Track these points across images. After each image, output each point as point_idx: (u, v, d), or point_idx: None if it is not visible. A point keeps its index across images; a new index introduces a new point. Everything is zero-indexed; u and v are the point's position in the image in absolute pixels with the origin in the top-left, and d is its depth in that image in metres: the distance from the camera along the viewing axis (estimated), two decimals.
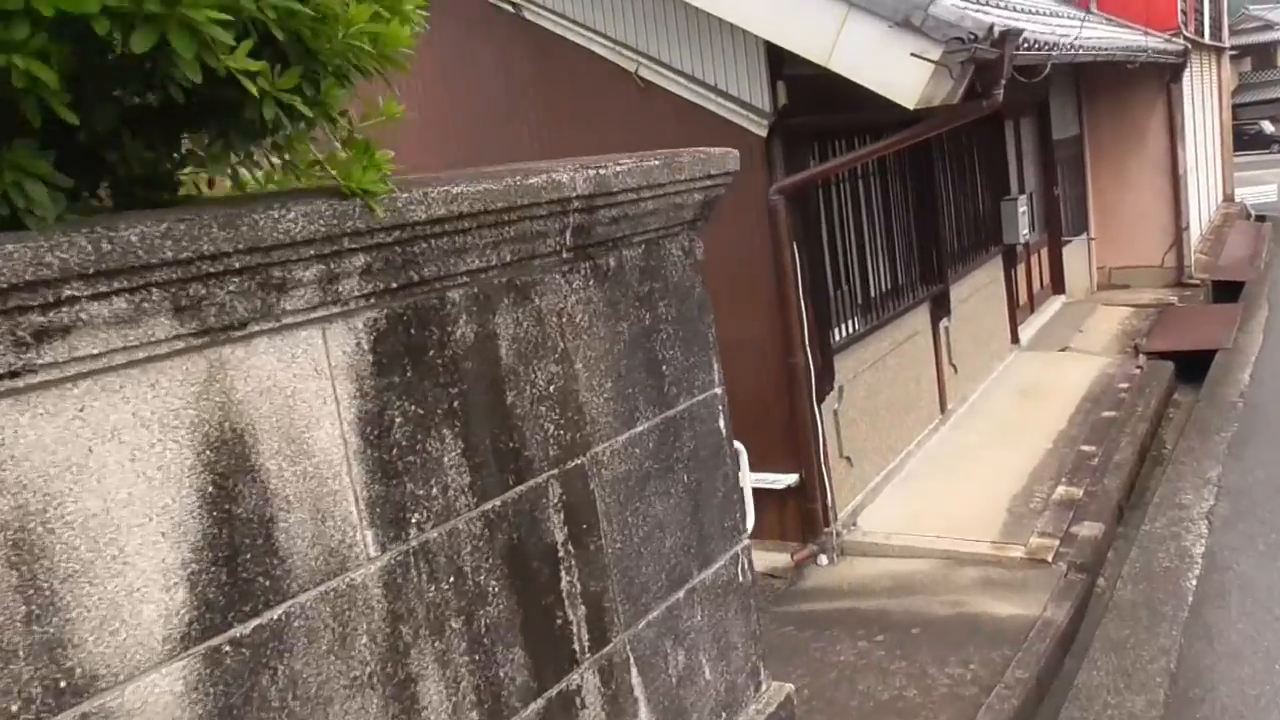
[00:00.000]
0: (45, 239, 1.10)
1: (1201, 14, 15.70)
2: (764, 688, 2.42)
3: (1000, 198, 9.78)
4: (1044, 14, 9.11)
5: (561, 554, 1.87)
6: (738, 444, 5.83)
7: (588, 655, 1.91)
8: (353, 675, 1.49)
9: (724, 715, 2.25)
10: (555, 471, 1.87)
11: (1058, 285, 11.98)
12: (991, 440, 7.59)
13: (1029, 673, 4.51)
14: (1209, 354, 9.41)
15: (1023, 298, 10.67)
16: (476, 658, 1.70)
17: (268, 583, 1.39)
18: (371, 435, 1.54)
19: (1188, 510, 5.72)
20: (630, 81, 6.27)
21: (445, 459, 1.65)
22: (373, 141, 1.50)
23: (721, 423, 2.34)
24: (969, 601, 5.30)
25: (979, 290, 9.11)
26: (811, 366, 6.11)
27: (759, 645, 2.40)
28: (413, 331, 1.61)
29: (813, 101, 5.93)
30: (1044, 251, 11.73)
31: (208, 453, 1.33)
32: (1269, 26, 45.79)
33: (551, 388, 1.87)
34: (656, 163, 2.05)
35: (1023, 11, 8.17)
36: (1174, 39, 12.39)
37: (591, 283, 1.98)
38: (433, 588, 1.62)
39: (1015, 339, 10.03)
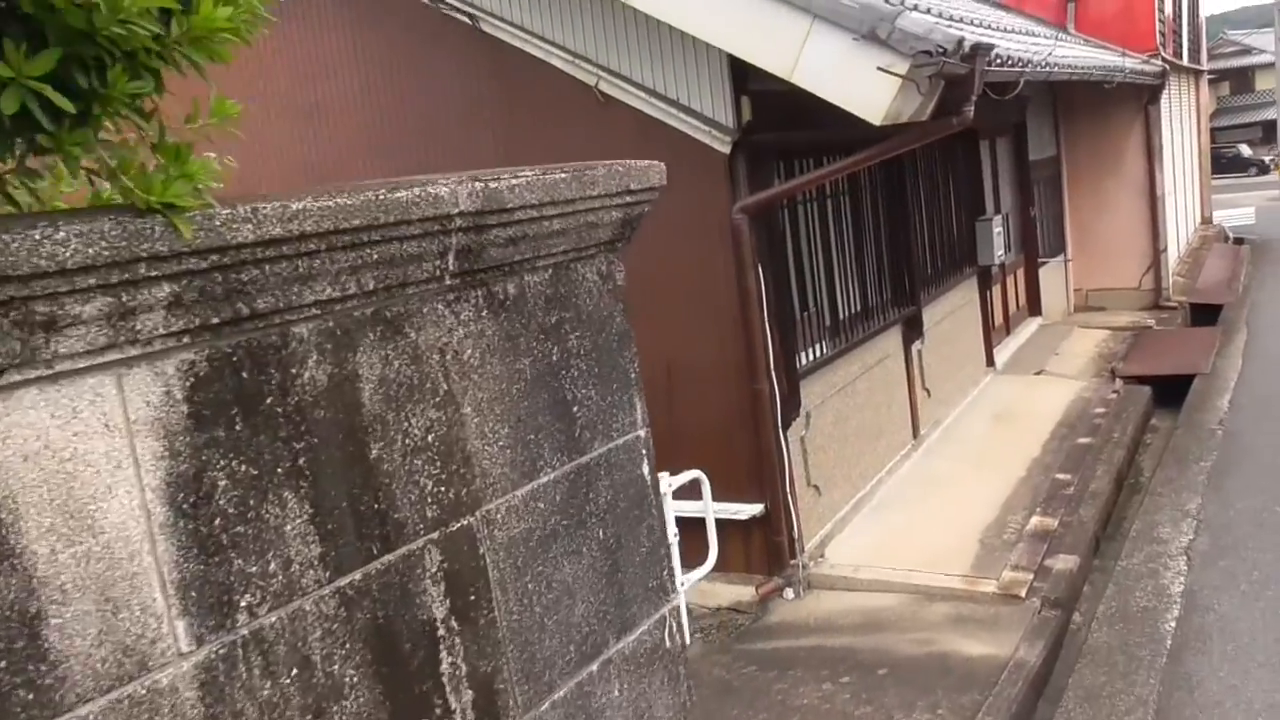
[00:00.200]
0: None
1: (1180, 36, 15.67)
2: None
3: (975, 218, 9.60)
4: (1019, 32, 8.97)
5: (442, 631, 1.60)
6: (698, 473, 5.62)
7: None
8: None
9: None
10: (435, 535, 1.60)
11: (1034, 307, 11.82)
12: (964, 467, 7.36)
13: None
14: (1187, 378, 9.24)
15: (998, 319, 10.48)
16: None
17: (31, 695, 1.11)
18: (185, 503, 1.27)
19: (1166, 545, 5.48)
20: (591, 96, 6.04)
21: (288, 527, 1.38)
22: (185, 146, 1.24)
23: (645, 469, 2.08)
24: (939, 640, 5.04)
25: (953, 312, 8.91)
26: (777, 392, 5.86)
27: (689, 718, 2.13)
28: (245, 375, 1.34)
29: (778, 117, 5.71)
30: (1020, 273, 11.57)
31: None
32: (1247, 51, 46.30)
33: (430, 437, 1.61)
34: (563, 176, 1.80)
35: (997, 29, 8.00)
36: (1152, 60, 12.30)
37: (484, 313, 1.72)
38: (269, 684, 1.35)
39: (990, 362, 9.83)
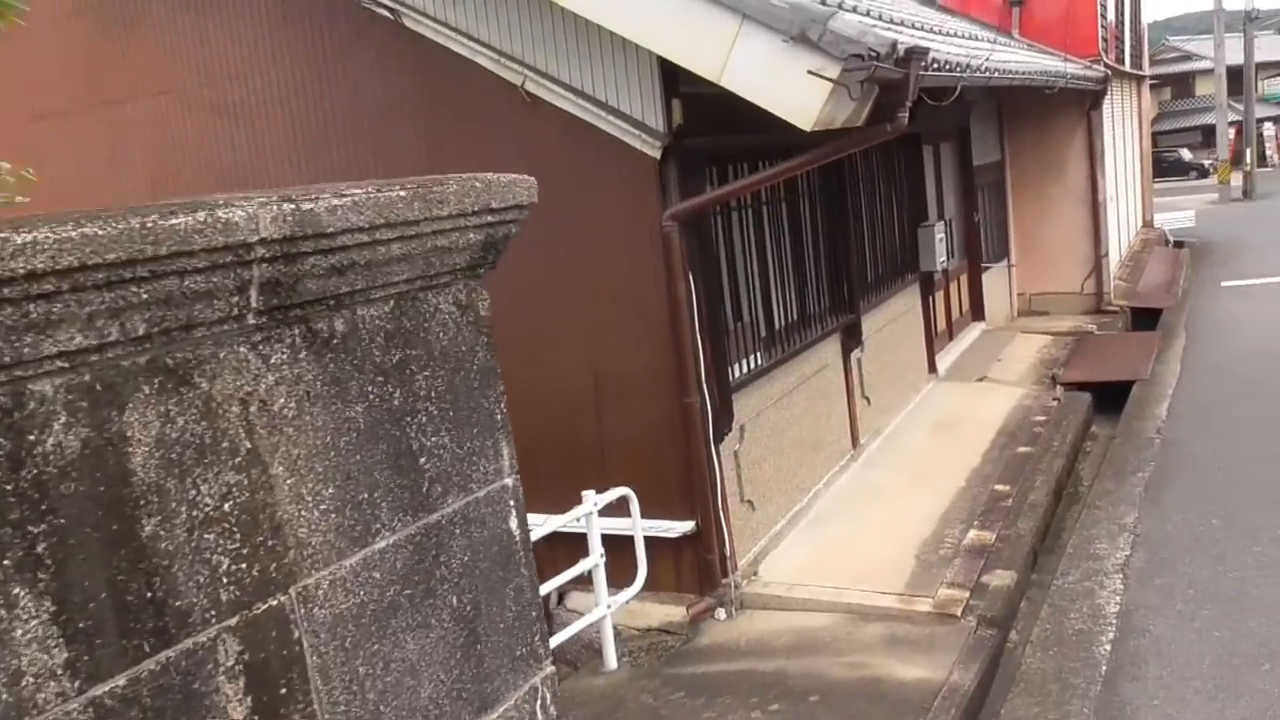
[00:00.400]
0: None
1: (1122, 42, 15.77)
2: None
3: (918, 224, 9.49)
4: (963, 37, 8.86)
5: None
6: (626, 490, 5.40)
7: None
8: None
9: None
10: (232, 622, 1.35)
11: (977, 312, 11.77)
12: (903, 479, 7.23)
13: None
14: (1127, 384, 9.21)
15: (941, 326, 10.40)
16: None
17: None
18: None
19: (1102, 562, 5.36)
20: (517, 96, 5.78)
21: (18, 631, 1.13)
22: None
23: (513, 522, 1.84)
24: (872, 663, 4.87)
25: (894, 319, 8.79)
26: (708, 406, 5.66)
27: None
28: None
29: (711, 121, 5.51)
30: (964, 278, 11.51)
31: None
32: (1188, 57, 47.19)
33: (228, 505, 1.36)
34: (402, 193, 1.56)
35: (939, 33, 7.88)
36: (1094, 65, 12.32)
37: (303, 355, 1.48)
38: None
39: (933, 368, 9.74)
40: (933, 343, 9.77)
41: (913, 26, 6.92)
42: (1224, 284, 14.02)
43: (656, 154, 5.46)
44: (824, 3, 4.96)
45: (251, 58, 6.60)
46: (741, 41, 4.68)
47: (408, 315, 1.66)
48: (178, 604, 1.29)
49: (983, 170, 11.99)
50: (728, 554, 5.77)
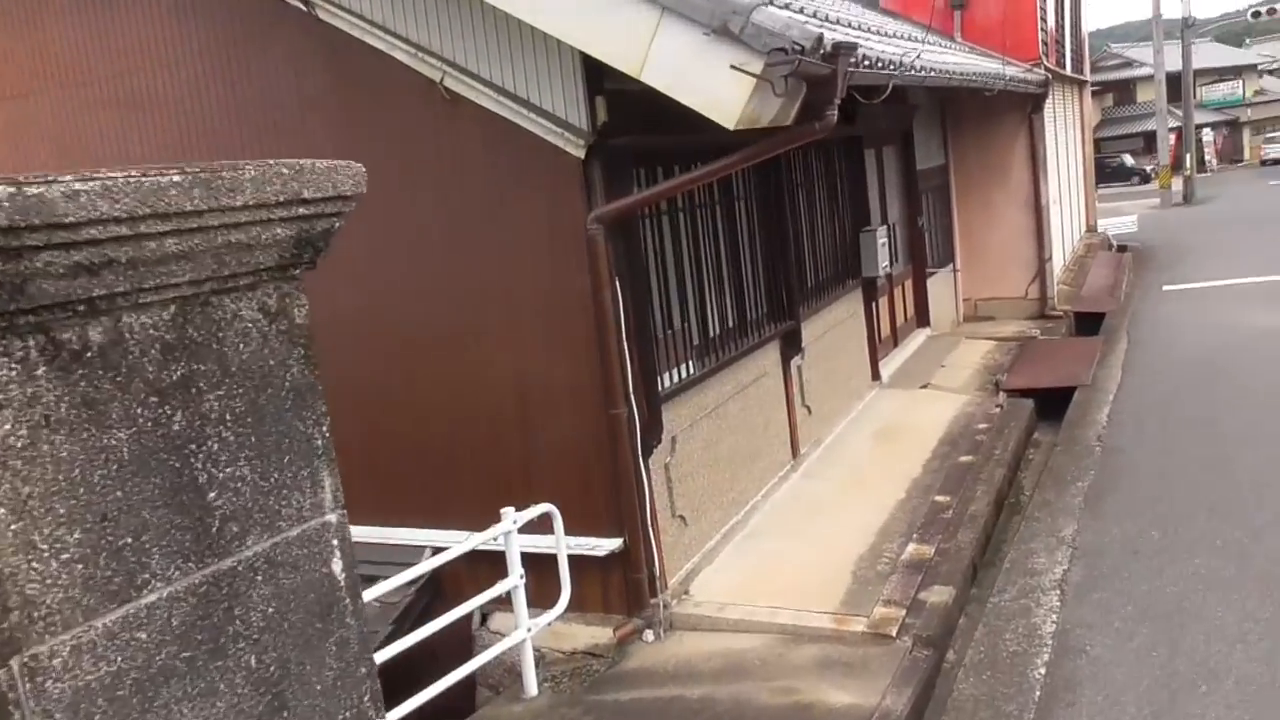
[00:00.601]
0: None
1: (1063, 46, 15.85)
2: None
3: (860, 229, 9.35)
4: (902, 38, 8.73)
5: None
6: (549, 507, 5.13)
7: None
8: None
9: None
10: None
11: (922, 318, 11.68)
12: (843, 489, 7.05)
13: None
14: (1070, 390, 9.14)
15: (885, 332, 10.27)
16: None
17: None
18: None
19: (1039, 577, 5.20)
20: (436, 93, 5.52)
21: None
22: None
23: (336, 565, 1.58)
24: (802, 688, 4.65)
25: (836, 326, 8.63)
26: (636, 417, 5.42)
27: None
28: None
29: (638, 120, 5.28)
30: (909, 283, 11.40)
31: None
32: (1129, 64, 48.03)
33: None
34: (176, 179, 1.30)
35: (875, 33, 7.73)
36: (1035, 69, 12.31)
37: (42, 372, 1.21)
38: None
39: (876, 375, 9.59)
40: (876, 349, 9.63)
41: (852, 26, 6.76)
42: (1165, 288, 14.10)
43: (580, 153, 5.22)
44: None
45: (159, 48, 6.27)
46: (661, 34, 4.46)
47: (194, 324, 1.40)
48: None
49: (927, 174, 11.91)
50: (657, 573, 5.53)
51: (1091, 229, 20.23)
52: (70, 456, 1.24)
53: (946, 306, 12.52)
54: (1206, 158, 43.25)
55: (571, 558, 5.23)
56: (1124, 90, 49.29)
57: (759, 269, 7.24)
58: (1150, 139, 35.24)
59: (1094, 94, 25.62)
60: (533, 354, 5.55)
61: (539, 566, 5.13)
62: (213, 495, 1.41)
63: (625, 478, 5.42)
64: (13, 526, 1.18)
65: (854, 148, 9.40)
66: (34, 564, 1.20)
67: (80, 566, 1.24)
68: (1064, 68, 15.79)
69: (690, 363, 6.19)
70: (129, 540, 1.30)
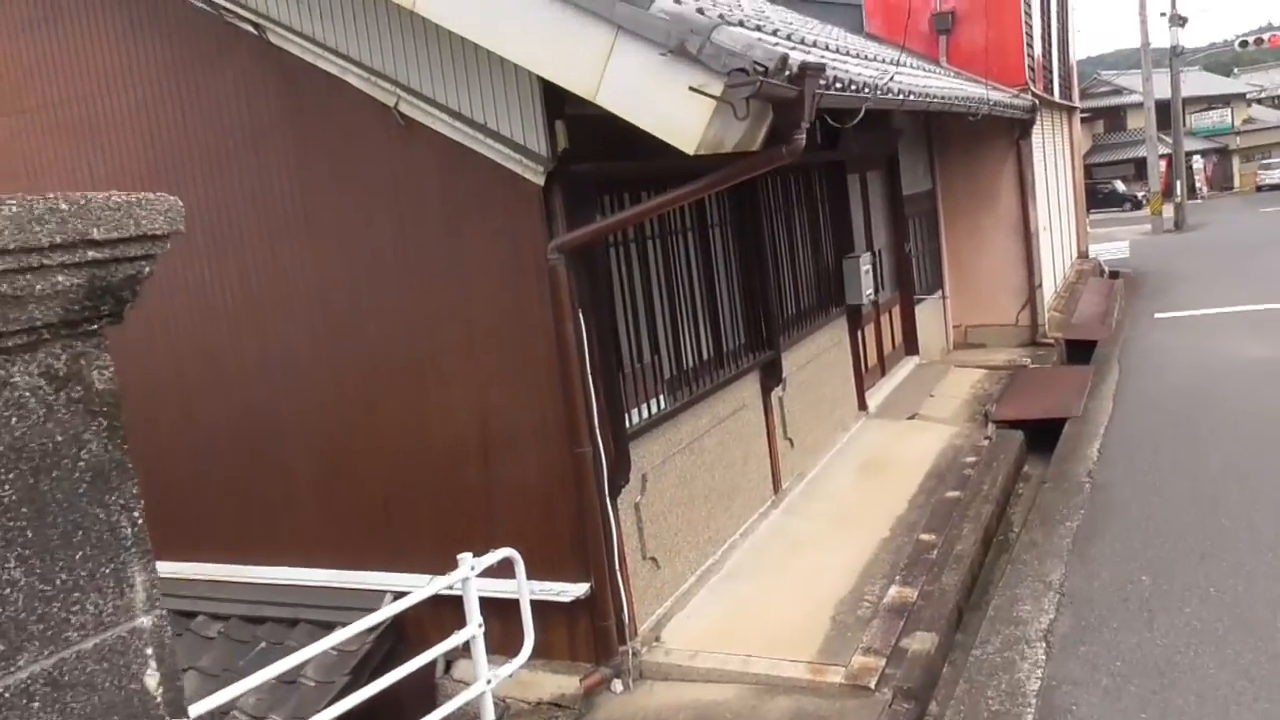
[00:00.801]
0: None
1: (1050, 72, 15.72)
2: None
3: (843, 255, 9.12)
4: (882, 61, 8.54)
5: None
6: (511, 552, 4.85)
7: None
8: None
9: None
10: None
11: (911, 346, 11.43)
12: (825, 527, 6.76)
13: None
14: (1060, 421, 8.89)
15: (872, 360, 10.02)
16: None
17: None
18: None
19: (1025, 627, 4.90)
20: (391, 118, 5.29)
21: None
22: None
23: (149, 678, 1.32)
24: None
25: (819, 355, 8.37)
26: (602, 455, 5.15)
27: None
28: None
29: (601, 145, 5.05)
30: (896, 311, 11.16)
31: None
32: (1119, 91, 48.16)
33: None
34: None
35: (855, 56, 7.54)
36: (1021, 95, 12.15)
37: None
38: None
39: (863, 405, 9.33)
40: (863, 378, 9.37)
41: (825, 48, 6.55)
42: (1157, 315, 13.88)
43: (540, 180, 4.99)
44: (706, 14, 4.52)
45: (107, 74, 6.07)
46: (617, 56, 4.23)
47: None
48: None
49: (914, 200, 11.71)
50: (626, 619, 5.24)
51: (1083, 255, 20.06)
52: None
53: (936, 334, 12.28)
54: (1197, 185, 43.27)
55: (536, 604, 4.93)
56: (1115, 117, 49.42)
57: (736, 297, 7.00)
58: (1141, 165, 35.26)
59: (1084, 120, 25.60)
60: (493, 390, 5.29)
61: (504, 612, 4.84)
62: None
63: (591, 519, 5.14)
64: None
65: (836, 172, 9.19)
66: None
67: None
68: (1052, 94, 15.66)
69: (662, 396, 5.92)
70: None
